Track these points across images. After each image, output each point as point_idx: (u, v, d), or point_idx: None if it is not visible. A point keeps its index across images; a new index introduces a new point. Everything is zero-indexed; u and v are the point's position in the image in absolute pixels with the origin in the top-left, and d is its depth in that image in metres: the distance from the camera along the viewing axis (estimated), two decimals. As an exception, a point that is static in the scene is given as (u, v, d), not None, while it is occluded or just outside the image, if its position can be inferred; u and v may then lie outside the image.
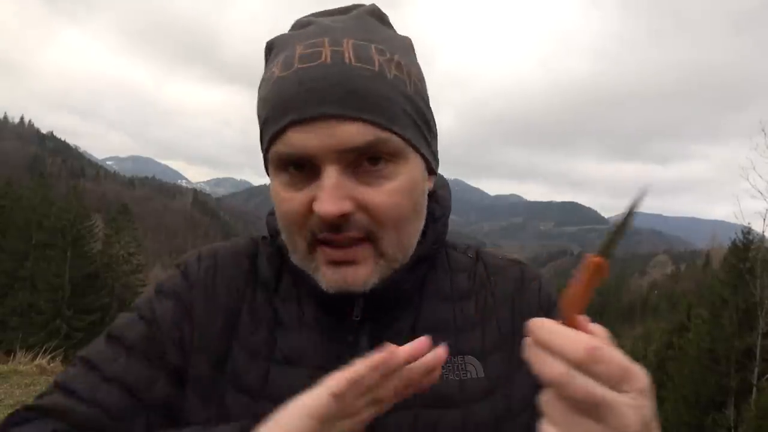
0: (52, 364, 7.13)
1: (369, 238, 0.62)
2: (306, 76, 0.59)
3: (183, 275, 0.71)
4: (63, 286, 29.18)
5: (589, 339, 0.41)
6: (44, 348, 7.58)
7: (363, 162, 0.60)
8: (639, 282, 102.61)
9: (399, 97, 0.62)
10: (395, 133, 0.61)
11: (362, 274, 0.62)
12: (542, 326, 0.43)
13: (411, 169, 0.64)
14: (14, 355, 7.38)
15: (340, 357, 0.61)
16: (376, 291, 0.63)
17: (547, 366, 0.41)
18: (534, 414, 0.63)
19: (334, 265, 0.62)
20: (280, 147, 0.61)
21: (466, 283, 0.72)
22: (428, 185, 0.69)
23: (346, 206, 0.59)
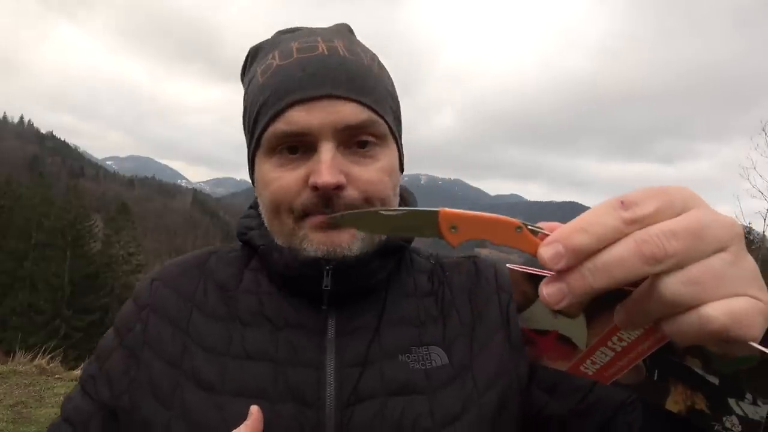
0: (51, 364, 7.13)
1: None
2: (307, 62, 0.67)
3: (133, 301, 0.78)
4: (63, 286, 29.18)
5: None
6: (44, 348, 7.58)
7: (353, 144, 0.67)
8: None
9: (384, 90, 0.71)
10: (383, 119, 0.69)
11: (346, 238, 0.66)
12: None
13: (392, 153, 0.71)
14: (14, 355, 7.38)
15: (305, 348, 0.67)
16: (344, 271, 0.67)
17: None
18: (499, 391, 0.69)
19: (322, 229, 0.66)
20: (279, 125, 0.66)
21: (427, 284, 0.77)
22: (400, 177, 0.75)
23: (341, 178, 0.64)
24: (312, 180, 0.64)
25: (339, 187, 0.64)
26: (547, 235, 0.34)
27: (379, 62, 0.74)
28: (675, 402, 0.40)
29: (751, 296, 0.32)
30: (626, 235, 0.32)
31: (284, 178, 0.67)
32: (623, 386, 0.42)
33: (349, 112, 0.66)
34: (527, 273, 0.40)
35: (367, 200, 0.67)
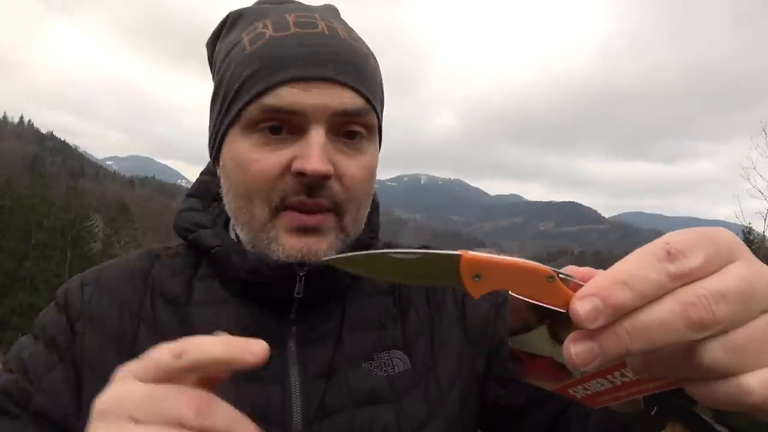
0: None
1: (335, 211, 0.62)
2: (307, 39, 0.62)
3: (58, 308, 0.66)
4: (63, 286, 29.10)
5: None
6: (44, 348, 7.55)
7: (341, 133, 0.62)
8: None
9: (377, 82, 0.68)
10: (375, 111, 0.65)
11: (324, 245, 0.61)
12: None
13: (375, 151, 0.67)
14: (14, 355, 7.36)
15: (267, 361, 0.54)
16: (315, 277, 0.62)
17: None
18: (461, 389, 0.67)
19: (298, 232, 0.61)
20: (269, 100, 0.60)
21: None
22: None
23: (331, 168, 0.59)
24: (299, 165, 0.58)
25: (326, 177, 0.59)
26: (580, 285, 0.30)
27: (373, 54, 0.70)
28: None
29: None
30: (670, 290, 0.28)
31: (265, 160, 0.60)
32: (613, 412, 0.39)
33: (347, 97, 0.61)
34: (533, 304, 0.35)
35: (348, 197, 0.62)
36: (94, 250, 33.59)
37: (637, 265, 0.29)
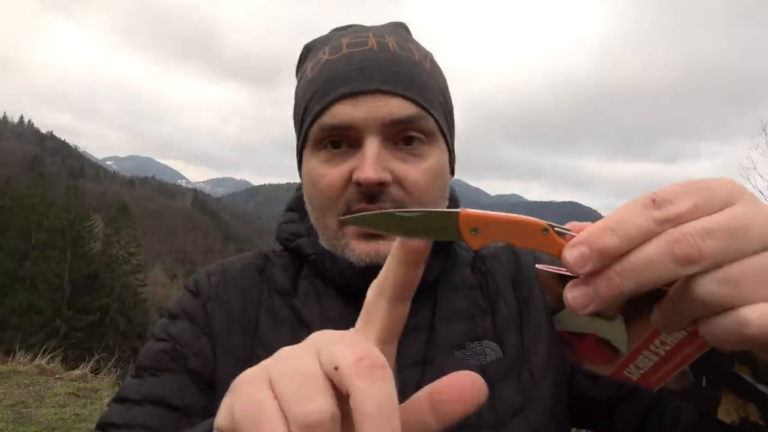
0: (51, 364, 7.14)
1: None
2: (355, 57, 0.66)
3: (192, 294, 0.73)
4: (63, 286, 29.20)
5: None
6: (44, 348, 7.59)
7: (399, 140, 0.66)
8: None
9: (435, 86, 0.70)
10: (431, 115, 0.67)
11: (388, 247, 0.63)
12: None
13: (440, 153, 0.69)
14: (14, 355, 7.40)
15: None
16: None
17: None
18: (553, 380, 0.68)
19: (365, 237, 0.65)
20: (325, 119, 0.65)
21: (471, 276, 0.76)
22: (450, 178, 0.73)
23: (386, 175, 0.63)
24: (355, 175, 0.63)
25: (383, 184, 0.63)
26: (574, 236, 0.31)
27: (432, 59, 0.73)
28: (727, 412, 0.37)
29: None
30: (657, 234, 0.29)
31: (330, 174, 0.65)
32: (671, 392, 0.39)
33: (396, 106, 0.64)
34: (557, 273, 0.38)
35: (412, 201, 0.65)
36: (94, 250, 33.57)
37: (625, 212, 0.30)
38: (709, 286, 0.29)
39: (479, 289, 0.74)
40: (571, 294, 0.31)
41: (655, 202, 0.29)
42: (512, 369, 0.67)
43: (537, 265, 0.39)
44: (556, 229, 0.32)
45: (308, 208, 0.72)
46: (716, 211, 0.29)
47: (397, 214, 0.34)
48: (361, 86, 0.64)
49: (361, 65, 0.65)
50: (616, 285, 0.29)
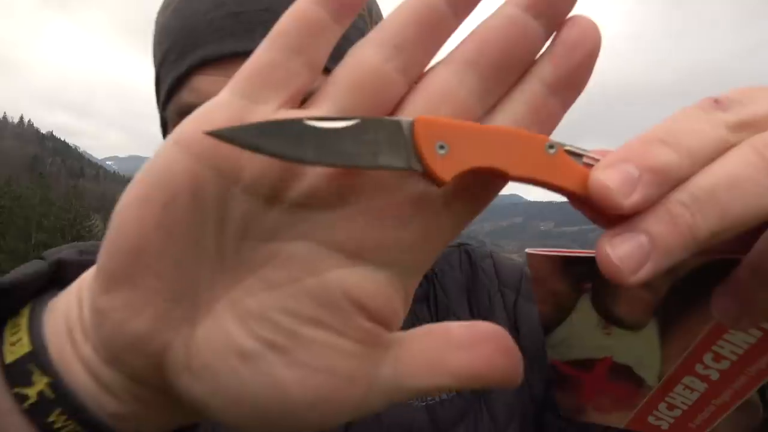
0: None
1: None
2: None
3: None
4: (63, 286, 29.35)
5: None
6: (44, 348, 7.60)
7: None
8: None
9: (356, 36, 0.34)
10: None
11: None
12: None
13: None
14: (14, 355, 7.40)
15: None
16: None
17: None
18: (519, 422, 0.51)
19: None
20: (184, 96, 0.42)
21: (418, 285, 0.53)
22: None
23: None
24: None
25: None
26: (596, 160, 0.18)
27: None
28: None
29: None
30: (733, 146, 0.17)
31: None
32: None
33: None
34: (558, 258, 0.23)
35: None
36: (94, 250, 33.67)
37: (676, 121, 0.17)
38: None
39: (425, 301, 0.56)
40: (615, 252, 0.16)
41: (719, 103, 0.18)
42: (468, 411, 0.51)
43: (527, 250, 0.24)
44: (566, 148, 0.18)
45: None
46: None
47: (312, 124, 0.17)
48: (233, 46, 0.40)
49: (235, 9, 0.41)
50: (687, 223, 0.16)
